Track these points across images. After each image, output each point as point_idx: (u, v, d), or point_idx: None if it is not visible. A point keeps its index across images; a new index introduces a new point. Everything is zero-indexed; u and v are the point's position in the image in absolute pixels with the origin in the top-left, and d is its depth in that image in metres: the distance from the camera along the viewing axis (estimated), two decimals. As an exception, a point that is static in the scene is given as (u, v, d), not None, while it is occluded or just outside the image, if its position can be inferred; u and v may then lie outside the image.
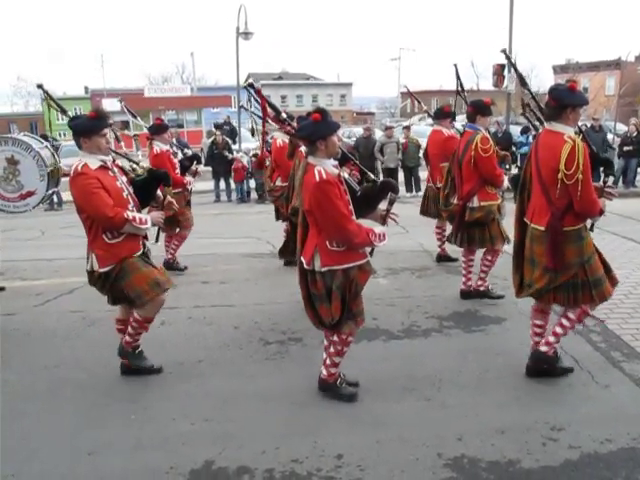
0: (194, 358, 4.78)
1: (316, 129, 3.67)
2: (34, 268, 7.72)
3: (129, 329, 4.36)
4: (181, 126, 33.66)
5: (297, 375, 4.46)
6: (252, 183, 15.12)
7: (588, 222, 4.12)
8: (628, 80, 38.33)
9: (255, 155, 13.44)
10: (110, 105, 24.95)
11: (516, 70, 4.75)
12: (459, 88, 7.63)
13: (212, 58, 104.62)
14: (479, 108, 5.77)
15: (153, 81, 55.92)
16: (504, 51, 5.19)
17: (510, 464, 3.33)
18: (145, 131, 8.04)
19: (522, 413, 3.88)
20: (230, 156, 14.70)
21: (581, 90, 4.03)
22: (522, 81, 4.90)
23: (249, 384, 4.35)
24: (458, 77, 7.58)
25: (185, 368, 4.61)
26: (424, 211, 7.73)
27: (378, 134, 18.28)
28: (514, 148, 14.71)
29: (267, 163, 8.04)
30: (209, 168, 15.15)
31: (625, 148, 14.67)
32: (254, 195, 15.05)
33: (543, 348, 4.23)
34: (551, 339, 4.22)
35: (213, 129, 19.13)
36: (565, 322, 4.18)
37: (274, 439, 3.61)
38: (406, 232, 9.10)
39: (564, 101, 3.85)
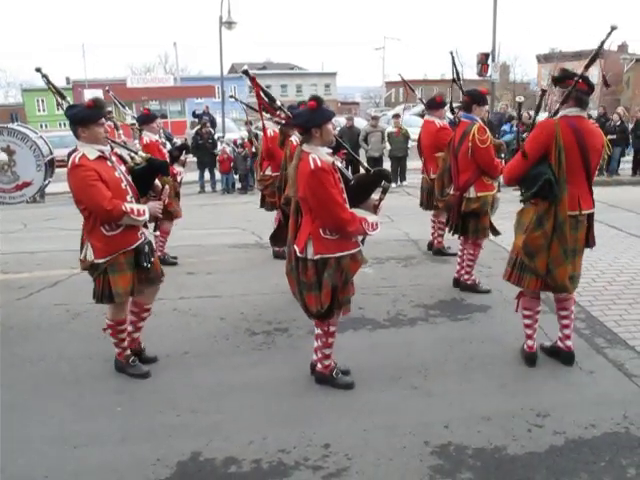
0: (180, 349, 4.76)
1: (312, 117, 3.68)
2: (17, 261, 7.62)
3: (111, 339, 4.34)
4: (165, 117, 33.35)
5: (284, 365, 4.46)
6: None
7: None
8: (611, 69, 38.58)
9: (244, 144, 13.41)
10: (92, 96, 24.64)
11: (597, 53, 3.93)
12: (455, 76, 7.48)
13: (195, 48, 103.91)
14: (475, 98, 5.74)
15: (136, 71, 55.30)
16: (614, 28, 3.84)
17: (496, 450, 3.36)
18: (127, 122, 7.94)
19: (507, 400, 3.92)
20: (217, 152, 14.63)
21: None
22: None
23: (235, 375, 4.34)
24: (454, 65, 7.44)
25: (171, 360, 4.59)
26: (422, 203, 7.61)
27: (362, 123, 18.22)
28: (497, 137, 14.76)
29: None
30: (194, 159, 15.05)
31: (609, 137, 14.77)
32: (238, 185, 14.99)
33: (569, 342, 4.36)
34: (572, 334, 4.39)
35: (193, 118, 18.96)
36: (573, 316, 4.41)
37: (261, 429, 3.61)
38: (391, 221, 9.11)
39: (593, 89, 3.99)
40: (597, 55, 3.87)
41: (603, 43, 3.79)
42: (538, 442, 3.43)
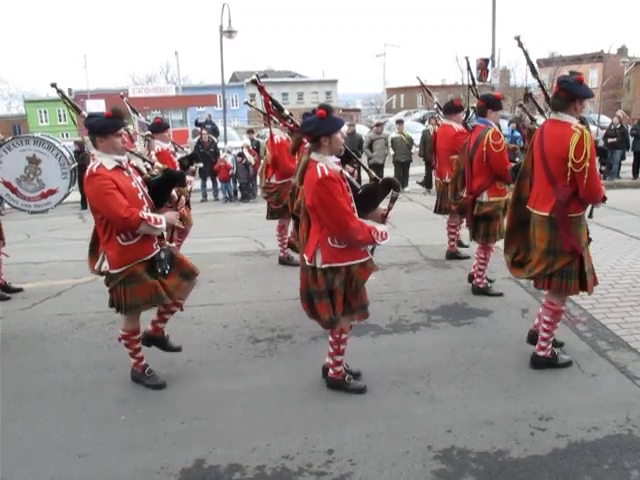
0: (183, 358, 4.76)
1: (321, 125, 3.67)
2: (20, 271, 7.63)
3: (126, 349, 4.34)
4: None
5: (286, 372, 4.48)
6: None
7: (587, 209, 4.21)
8: (610, 72, 38.65)
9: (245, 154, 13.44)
10: (94, 107, 24.79)
11: (528, 58, 4.45)
12: (470, 82, 7.44)
13: (196, 57, 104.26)
14: (490, 102, 5.79)
15: (137, 81, 55.51)
16: (518, 38, 4.82)
17: (499, 454, 3.37)
18: (133, 129, 8.00)
19: (510, 404, 3.92)
20: (220, 159, 14.67)
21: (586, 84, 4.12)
22: (533, 70, 4.71)
23: (239, 382, 4.35)
24: (469, 70, 7.41)
25: (174, 368, 4.60)
26: (438, 209, 7.61)
27: (364, 130, 18.27)
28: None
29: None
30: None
31: (609, 140, 14.79)
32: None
33: (541, 353, 4.35)
34: (543, 344, 4.34)
35: (195, 127, 19.02)
36: (546, 326, 4.29)
37: (264, 436, 3.62)
38: (393, 227, 9.12)
39: (574, 93, 3.90)
40: (534, 69, 4.09)
41: (528, 55, 4.15)
42: (541, 445, 3.43)
